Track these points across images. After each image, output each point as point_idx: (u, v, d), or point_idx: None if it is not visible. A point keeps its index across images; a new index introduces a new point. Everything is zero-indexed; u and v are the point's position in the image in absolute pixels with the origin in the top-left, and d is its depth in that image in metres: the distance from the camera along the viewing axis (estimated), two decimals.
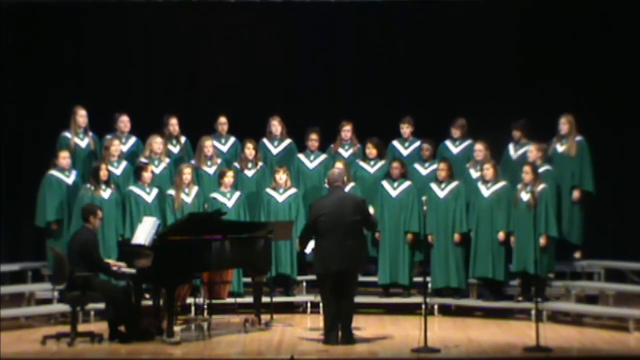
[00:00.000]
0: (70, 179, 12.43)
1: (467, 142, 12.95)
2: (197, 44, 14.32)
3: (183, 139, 13.16)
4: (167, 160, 12.82)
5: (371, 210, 10.92)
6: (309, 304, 12.50)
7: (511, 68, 13.94)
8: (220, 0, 14.30)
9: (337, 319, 10.57)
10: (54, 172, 12.40)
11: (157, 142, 12.73)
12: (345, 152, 13.15)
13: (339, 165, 12.45)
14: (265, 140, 13.26)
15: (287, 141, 13.29)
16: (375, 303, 12.53)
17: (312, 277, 12.56)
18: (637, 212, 13.41)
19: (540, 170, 12.21)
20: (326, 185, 11.39)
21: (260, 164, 12.98)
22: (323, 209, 10.60)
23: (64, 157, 12.40)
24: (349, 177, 12.52)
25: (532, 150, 12.33)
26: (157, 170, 12.70)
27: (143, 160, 12.65)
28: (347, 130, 13.13)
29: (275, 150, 13.26)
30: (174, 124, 13.00)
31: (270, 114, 13.26)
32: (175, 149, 13.05)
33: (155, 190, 12.43)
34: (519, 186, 12.09)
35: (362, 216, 10.60)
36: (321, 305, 10.93)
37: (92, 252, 10.70)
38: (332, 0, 14.19)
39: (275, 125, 13.19)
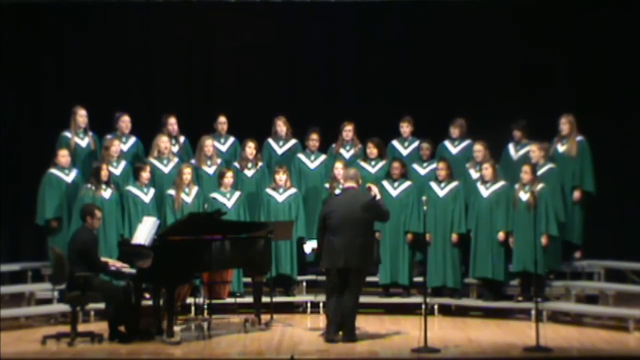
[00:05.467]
0: (69, 177, 12.44)
1: (466, 143, 12.96)
2: (197, 43, 14.32)
3: (182, 139, 13.15)
4: (175, 160, 12.80)
5: (377, 193, 10.83)
6: (309, 304, 12.51)
7: (511, 68, 13.95)
8: (221, 0, 14.31)
9: (337, 315, 10.63)
10: (53, 171, 12.41)
11: (163, 142, 12.73)
12: (347, 153, 13.14)
13: (339, 165, 12.44)
14: (270, 140, 13.26)
15: (293, 141, 13.28)
16: (375, 303, 12.54)
17: (312, 277, 12.64)
18: (637, 212, 13.42)
19: (544, 169, 12.23)
20: (330, 182, 11.52)
21: (260, 163, 12.98)
22: (333, 206, 10.77)
23: (63, 156, 12.41)
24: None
25: (534, 150, 12.33)
26: (166, 170, 12.71)
27: (152, 160, 12.65)
28: (348, 131, 13.13)
29: (280, 150, 13.25)
30: (172, 123, 12.98)
31: (270, 114, 13.26)
32: (174, 149, 13.03)
33: (152, 190, 12.43)
34: (517, 186, 12.09)
35: (372, 214, 10.66)
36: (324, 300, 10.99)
37: (90, 252, 10.68)
38: (332, 0, 14.19)
39: (281, 126, 13.19)
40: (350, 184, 10.90)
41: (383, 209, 10.79)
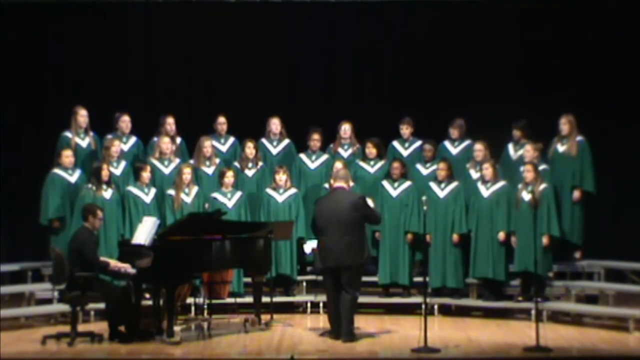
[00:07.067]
0: (73, 177, 12.43)
1: (466, 143, 12.96)
2: (197, 43, 14.32)
3: (178, 140, 13.13)
4: (177, 160, 12.80)
5: (371, 203, 10.95)
6: (309, 304, 12.51)
7: (511, 68, 13.95)
8: (221, 0, 14.31)
9: (336, 313, 10.70)
10: (57, 171, 12.41)
11: (165, 142, 12.73)
12: (345, 152, 13.15)
13: (338, 165, 12.44)
14: (264, 140, 13.27)
15: (286, 141, 13.29)
16: (375, 303, 12.54)
17: (312, 277, 12.64)
18: (637, 212, 13.41)
19: (538, 169, 12.22)
20: (330, 182, 11.54)
21: (260, 163, 12.98)
22: (321, 206, 10.85)
23: (67, 156, 12.41)
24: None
25: (528, 150, 12.35)
26: (167, 171, 12.70)
27: (153, 161, 12.66)
28: (346, 130, 13.14)
29: (274, 150, 13.26)
30: (170, 122, 12.97)
31: (270, 114, 13.26)
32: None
33: (153, 190, 12.43)
34: (520, 185, 12.09)
35: (360, 213, 10.67)
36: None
37: (88, 252, 10.68)
38: (332, 0, 14.20)
39: (276, 125, 13.19)
40: (340, 184, 10.93)
41: (371, 210, 10.84)
